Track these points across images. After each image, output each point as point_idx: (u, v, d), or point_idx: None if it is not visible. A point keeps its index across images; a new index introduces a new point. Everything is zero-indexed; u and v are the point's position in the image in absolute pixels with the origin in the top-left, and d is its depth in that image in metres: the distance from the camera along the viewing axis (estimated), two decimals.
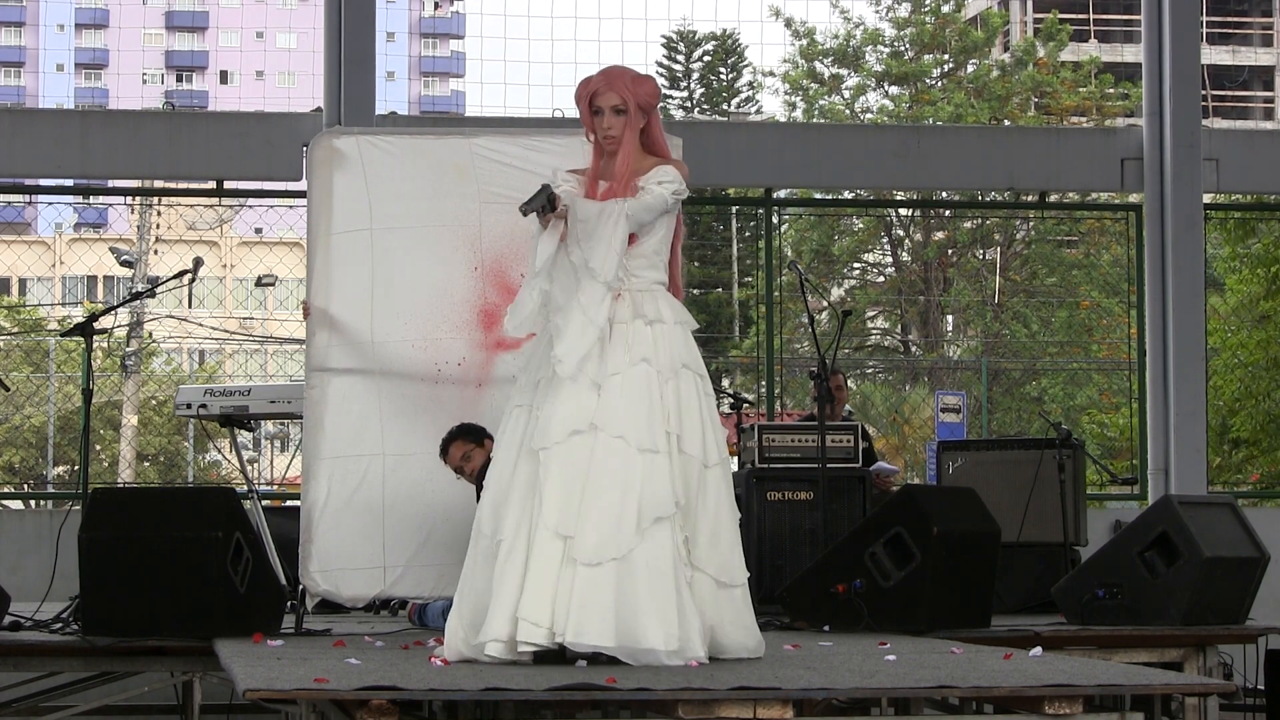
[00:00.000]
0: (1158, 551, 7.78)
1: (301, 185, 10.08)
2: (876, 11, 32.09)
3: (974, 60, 31.10)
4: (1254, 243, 16.93)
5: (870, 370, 28.25)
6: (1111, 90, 31.61)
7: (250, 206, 14.17)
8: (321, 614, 8.10)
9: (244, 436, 9.57)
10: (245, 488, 9.72)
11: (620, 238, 5.58)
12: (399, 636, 6.82)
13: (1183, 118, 11.75)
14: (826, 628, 7.25)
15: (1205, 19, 15.70)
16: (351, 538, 7.96)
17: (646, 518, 5.39)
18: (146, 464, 26.35)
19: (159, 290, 9.30)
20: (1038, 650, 5.91)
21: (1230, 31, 43.70)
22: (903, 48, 31.22)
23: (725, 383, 26.30)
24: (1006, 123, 28.76)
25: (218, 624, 6.53)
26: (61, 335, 9.43)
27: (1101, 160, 11.96)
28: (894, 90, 31.24)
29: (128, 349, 23.63)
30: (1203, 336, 11.90)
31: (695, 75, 37.27)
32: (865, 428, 9.75)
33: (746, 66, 36.69)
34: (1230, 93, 42.00)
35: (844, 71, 31.21)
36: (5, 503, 20.05)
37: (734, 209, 28.18)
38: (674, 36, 36.74)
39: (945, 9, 31.58)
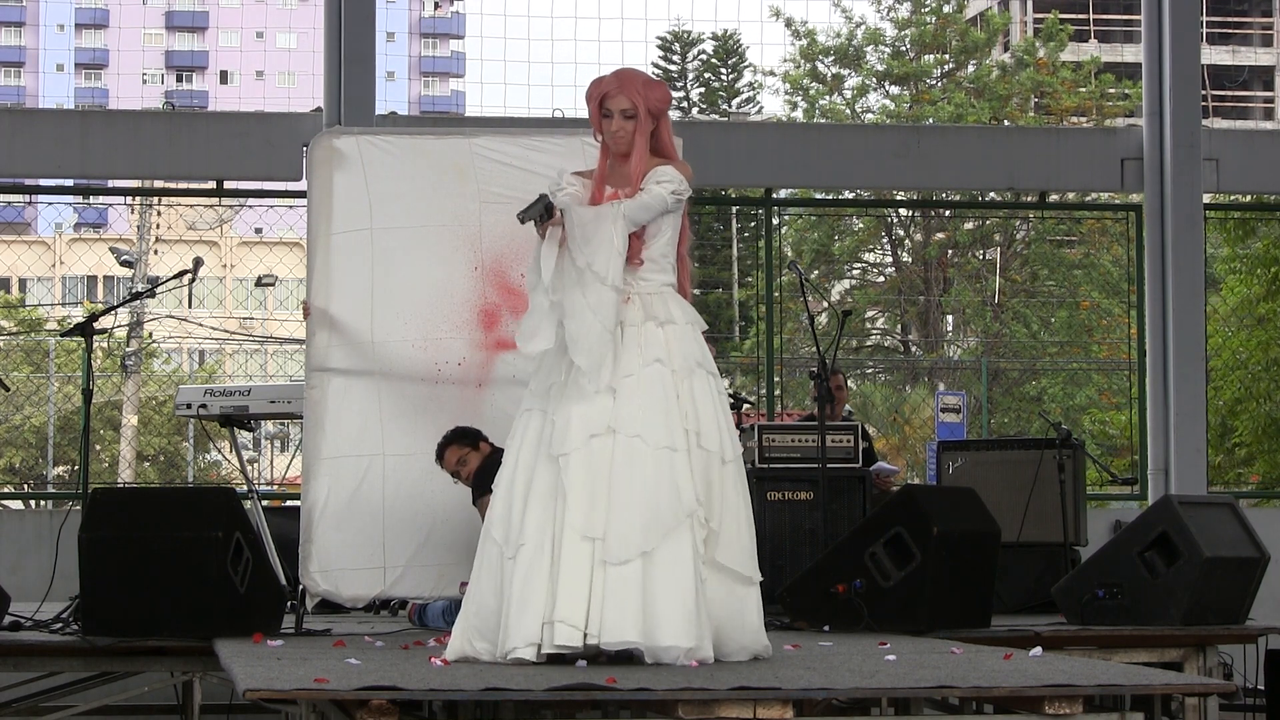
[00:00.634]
0: (1158, 551, 7.78)
1: (301, 185, 10.08)
2: (877, 11, 32.13)
3: (974, 60, 31.11)
4: (1254, 243, 16.92)
5: (870, 370, 28.26)
6: (1112, 90, 31.62)
7: (250, 206, 14.17)
8: (321, 614, 8.10)
9: (244, 436, 9.57)
10: (245, 488, 9.72)
11: (620, 239, 5.58)
12: (399, 636, 6.82)
13: (1183, 118, 11.75)
14: (826, 628, 7.25)
15: (1205, 19, 15.69)
16: (351, 538, 7.96)
17: (668, 515, 5.41)
18: (146, 464, 26.35)
19: (159, 290, 9.30)
20: (1038, 650, 5.91)
21: (1230, 31, 43.71)
22: (903, 47, 31.23)
23: (725, 383, 26.28)
24: (1006, 123, 28.76)
25: (218, 624, 6.53)
26: (61, 335, 9.43)
27: (1101, 160, 11.96)
28: (894, 90, 31.25)
29: (128, 349, 23.63)
30: (1203, 336, 11.90)
31: (691, 75, 37.28)
32: (865, 428, 9.75)
33: (747, 67, 36.73)
34: (1230, 93, 42.00)
35: (845, 71, 31.21)
36: (5, 503, 20.06)
37: (734, 209, 28.18)
38: (668, 37, 36.77)
39: (946, 9, 31.59)
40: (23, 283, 33.67)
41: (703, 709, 4.52)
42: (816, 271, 28.01)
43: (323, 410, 8.00)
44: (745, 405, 10.92)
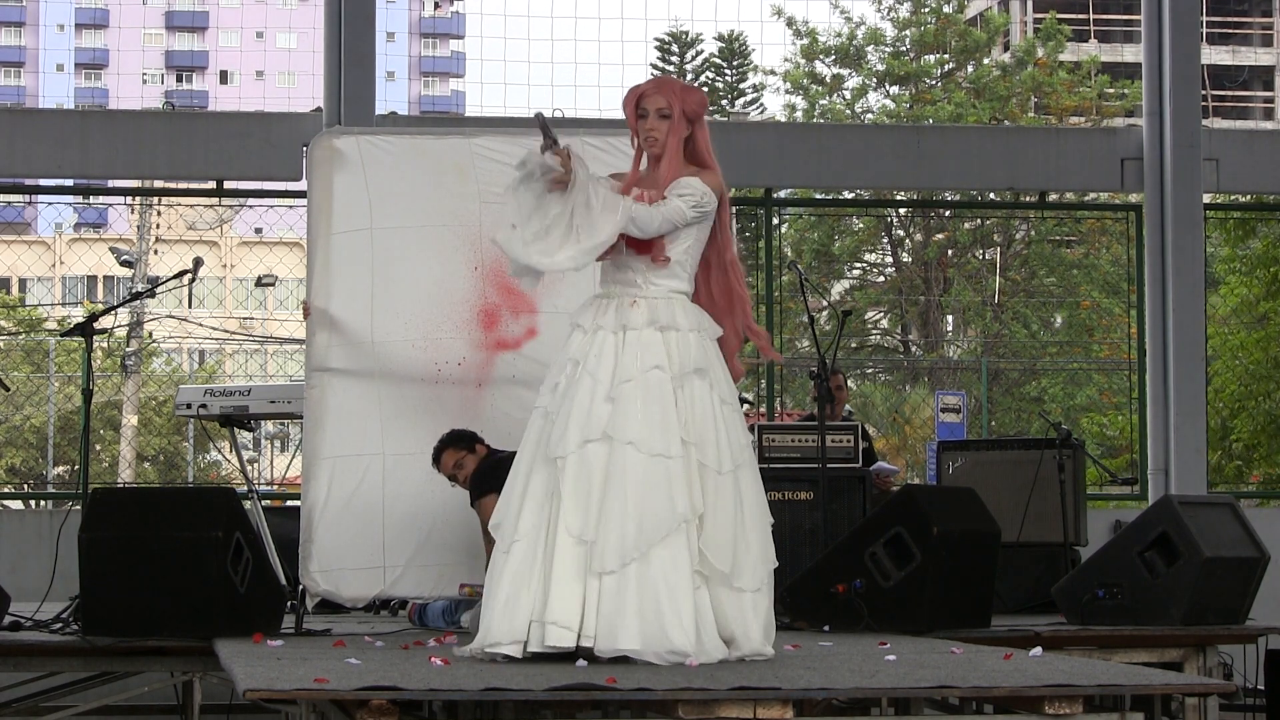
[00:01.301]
0: (1158, 551, 7.78)
1: (301, 185, 10.08)
2: (878, 11, 32.11)
3: (974, 61, 31.11)
4: (1254, 242, 16.92)
5: (870, 370, 28.25)
6: (1110, 90, 31.62)
7: (250, 206, 14.17)
8: (321, 614, 8.10)
9: (244, 436, 9.57)
10: (245, 488, 9.72)
11: (609, 233, 5.52)
12: (399, 636, 6.82)
13: (1183, 118, 11.75)
14: (826, 628, 7.25)
15: (1205, 19, 15.69)
16: (351, 538, 7.96)
17: (661, 523, 5.40)
18: (146, 464, 26.35)
19: (159, 290, 9.30)
20: (1038, 650, 5.91)
21: (1230, 31, 43.71)
22: (903, 47, 31.23)
23: None
24: (1006, 123, 28.76)
25: (218, 624, 6.53)
26: (61, 335, 9.44)
27: (1101, 160, 11.96)
28: (895, 90, 31.25)
29: (128, 349, 23.63)
30: (1203, 336, 11.90)
31: (689, 76, 37.27)
32: (865, 428, 9.75)
33: (752, 69, 36.75)
34: (1230, 93, 42.00)
35: (845, 72, 31.22)
36: (5, 503, 20.06)
37: (734, 209, 28.15)
38: (667, 38, 36.77)
39: (947, 9, 31.59)
40: (23, 283, 33.67)
41: (703, 709, 4.52)
42: (816, 272, 28.01)
43: (323, 410, 8.00)
44: (745, 405, 10.92)
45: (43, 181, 12.33)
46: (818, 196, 17.82)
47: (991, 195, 16.34)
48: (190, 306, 26.23)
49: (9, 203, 15.33)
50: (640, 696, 4.60)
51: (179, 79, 59.81)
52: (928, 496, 7.72)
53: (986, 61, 31.51)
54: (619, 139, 7.11)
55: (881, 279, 30.25)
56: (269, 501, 11.24)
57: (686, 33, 36.44)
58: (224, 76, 58.00)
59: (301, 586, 7.94)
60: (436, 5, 56.42)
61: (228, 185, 11.83)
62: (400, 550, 7.99)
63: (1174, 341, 11.62)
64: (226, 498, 6.91)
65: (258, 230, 24.06)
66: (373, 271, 8.07)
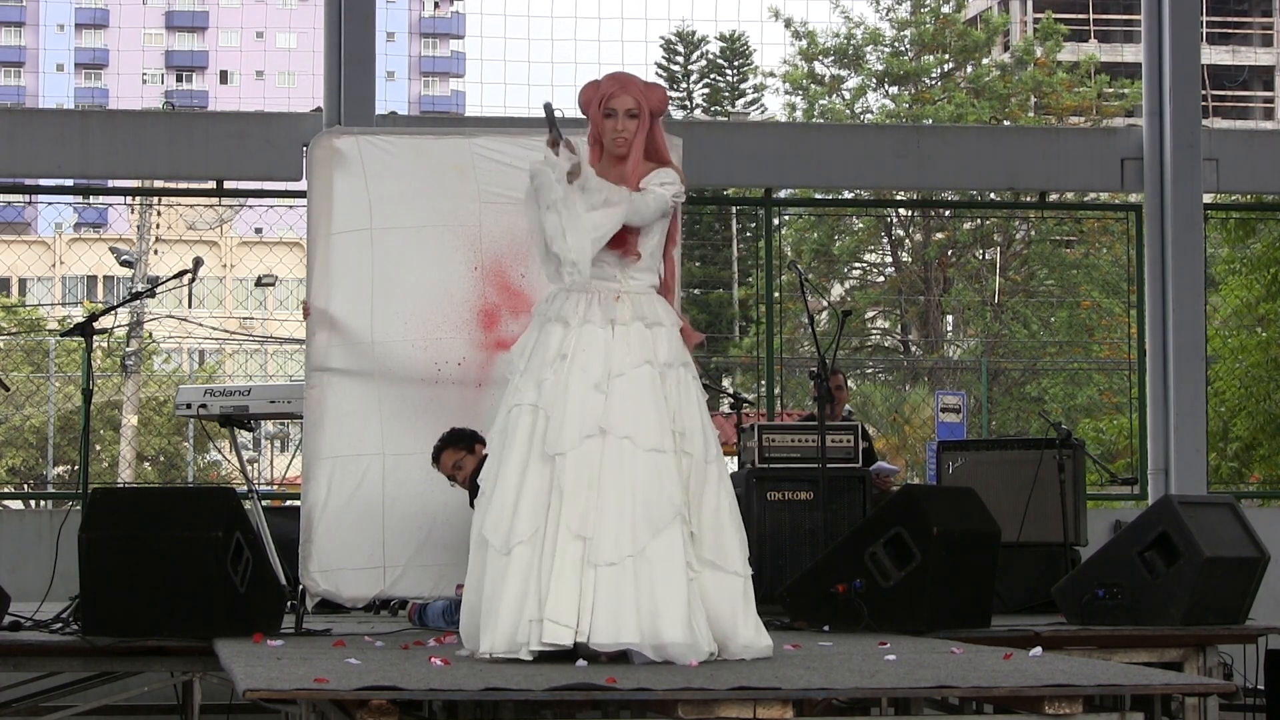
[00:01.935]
0: (1158, 551, 7.78)
1: (301, 185, 10.08)
2: (876, 12, 32.13)
3: (973, 61, 31.11)
4: (1254, 243, 16.91)
5: (870, 370, 28.26)
6: (1110, 90, 31.62)
7: (250, 206, 14.17)
8: (321, 614, 8.10)
9: (244, 436, 9.57)
10: (245, 488, 9.72)
11: (612, 224, 5.59)
12: (399, 636, 6.82)
13: (1183, 118, 11.75)
14: (826, 628, 7.25)
15: (1205, 19, 15.69)
16: (351, 538, 7.96)
17: (658, 515, 5.45)
18: (146, 464, 26.35)
19: (159, 290, 9.30)
20: (1038, 650, 5.91)
21: (1230, 31, 43.71)
22: (903, 48, 31.23)
23: (725, 382, 26.31)
24: (1006, 123, 28.76)
25: (218, 624, 6.53)
26: (61, 335, 9.43)
27: (1101, 160, 11.95)
28: (894, 90, 31.26)
29: (128, 349, 23.63)
30: (1203, 336, 11.89)
31: (694, 76, 37.29)
32: (865, 428, 9.75)
33: (752, 69, 36.75)
34: (1230, 93, 42.00)
35: (844, 72, 31.22)
36: (5, 503, 20.06)
37: (734, 209, 28.17)
38: (673, 38, 36.77)
39: (945, 9, 31.59)
40: (23, 283, 33.67)
41: (703, 709, 4.52)
42: (816, 272, 28.01)
43: (323, 410, 8.00)
44: (745, 405, 10.91)
45: (43, 181, 12.32)
46: (818, 196, 17.83)
47: (991, 195, 16.33)
48: (190, 306, 26.23)
49: (9, 203, 15.33)
50: (640, 696, 4.60)
51: (179, 79, 59.83)
52: (928, 496, 7.72)
53: (986, 61, 31.52)
54: None
55: (881, 279, 30.25)
56: (269, 501, 11.23)
57: (694, 33, 36.47)
58: (224, 76, 58.02)
59: (301, 586, 7.94)
60: (436, 5, 56.44)
61: (228, 185, 11.82)
62: (400, 550, 7.99)
63: (1174, 341, 11.61)
64: (226, 498, 6.91)
65: (258, 230, 24.07)
66: (373, 271, 8.07)
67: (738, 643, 5.56)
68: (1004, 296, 27.87)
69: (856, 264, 30.10)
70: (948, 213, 26.89)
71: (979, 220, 27.48)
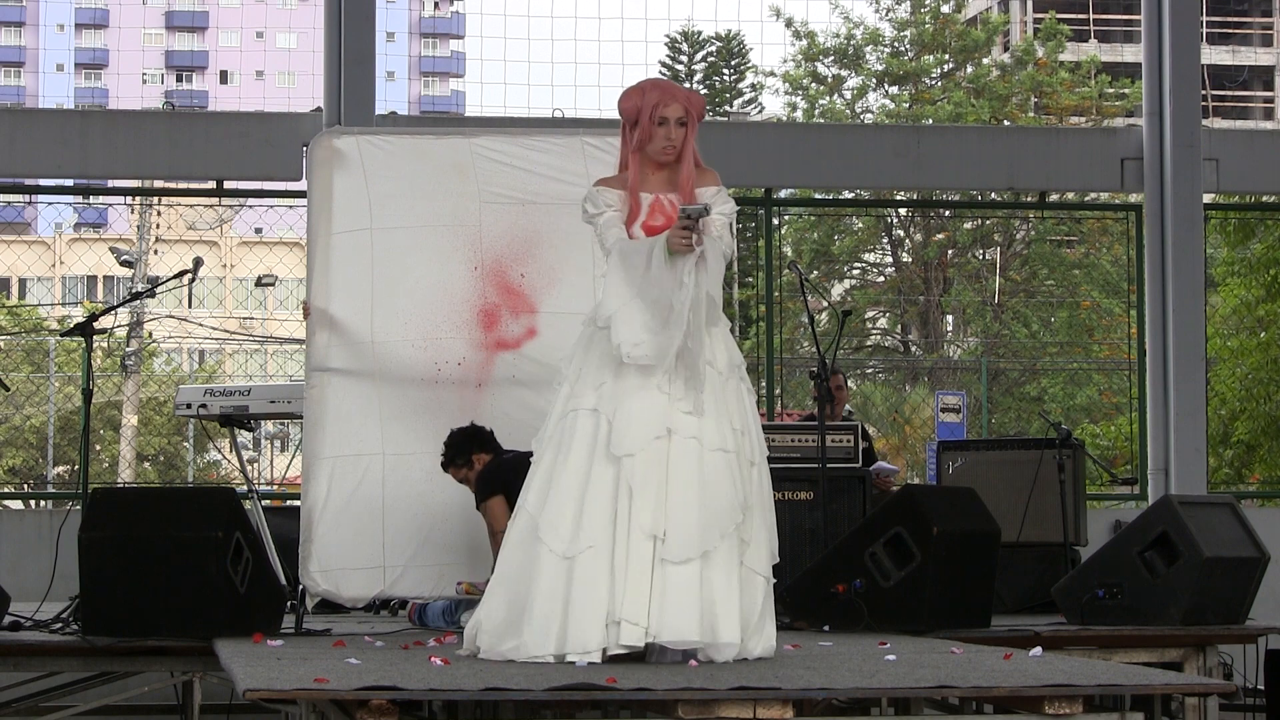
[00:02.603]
0: (1158, 551, 7.78)
1: (301, 185, 10.08)
2: (876, 12, 32.14)
3: (973, 60, 31.12)
4: (1254, 243, 16.92)
5: (870, 370, 28.25)
6: (1110, 90, 31.63)
7: (250, 206, 14.15)
8: (321, 614, 8.10)
9: (244, 436, 9.57)
10: (245, 488, 9.72)
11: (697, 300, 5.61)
12: (399, 636, 6.82)
13: (1183, 118, 11.75)
14: (826, 628, 7.25)
15: (1205, 19, 15.69)
16: (351, 538, 7.95)
17: (725, 517, 5.50)
18: (146, 464, 26.35)
19: (159, 290, 9.31)
20: (1038, 650, 5.91)
21: (1230, 31, 43.71)
22: (903, 48, 31.24)
23: None
24: (1006, 123, 28.76)
25: (218, 624, 6.53)
26: (61, 335, 9.44)
27: (1101, 160, 11.95)
28: (894, 90, 31.26)
29: (128, 349, 23.63)
30: (1203, 336, 11.90)
31: (698, 76, 37.30)
32: (865, 428, 9.75)
33: (750, 69, 36.75)
34: (1230, 93, 42.00)
35: (844, 72, 31.22)
36: (5, 503, 20.05)
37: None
38: (678, 37, 36.77)
39: (945, 9, 31.60)
40: (23, 283, 33.66)
41: (703, 709, 4.52)
42: (816, 271, 28.01)
43: (323, 410, 7.99)
44: None
45: (43, 181, 12.32)
46: (818, 196, 17.83)
47: (991, 195, 16.34)
48: (190, 306, 26.24)
49: (9, 203, 15.33)
50: (640, 696, 4.60)
51: (179, 79, 59.80)
52: (928, 496, 7.72)
53: (986, 61, 31.52)
54: (619, 139, 7.10)
55: (881, 279, 30.26)
56: (269, 501, 11.24)
57: (699, 32, 36.48)
58: (224, 76, 57.99)
59: (301, 586, 7.93)
60: (436, 5, 56.43)
61: (228, 185, 11.83)
62: (400, 550, 7.98)
63: (1174, 341, 11.62)
64: (226, 498, 6.91)
65: (258, 230, 24.05)
66: (373, 271, 8.07)
67: (754, 645, 5.57)
68: (1004, 296, 27.87)
69: (856, 264, 30.10)
70: (947, 213, 26.89)
71: (979, 220, 27.49)
